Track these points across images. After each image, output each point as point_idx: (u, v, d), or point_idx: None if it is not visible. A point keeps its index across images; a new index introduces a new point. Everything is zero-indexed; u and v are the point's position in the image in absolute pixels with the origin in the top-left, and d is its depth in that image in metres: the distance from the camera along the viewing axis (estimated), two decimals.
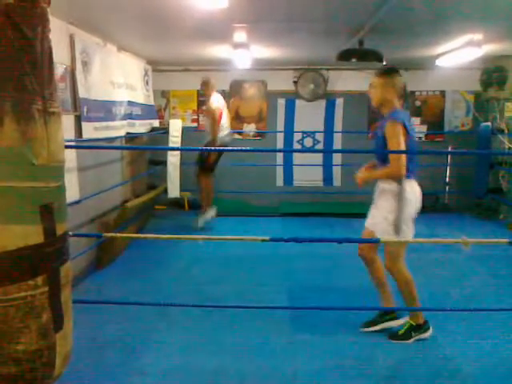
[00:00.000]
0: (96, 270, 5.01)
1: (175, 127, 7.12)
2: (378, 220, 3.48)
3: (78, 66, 4.64)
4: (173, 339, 3.57)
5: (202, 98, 8.05)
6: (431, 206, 8.12)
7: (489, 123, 7.31)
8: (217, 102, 6.49)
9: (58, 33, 4.28)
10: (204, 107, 6.51)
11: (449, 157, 8.07)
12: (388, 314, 3.68)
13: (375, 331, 3.66)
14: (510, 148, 7.03)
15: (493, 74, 7.28)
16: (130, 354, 3.32)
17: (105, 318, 3.81)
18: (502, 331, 3.68)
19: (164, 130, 7.16)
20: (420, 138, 8.17)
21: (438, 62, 6.57)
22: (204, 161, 6.53)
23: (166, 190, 7.03)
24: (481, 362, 3.26)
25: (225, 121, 6.60)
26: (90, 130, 4.87)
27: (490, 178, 7.50)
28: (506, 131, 7.18)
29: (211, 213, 6.70)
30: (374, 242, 3.48)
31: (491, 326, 3.76)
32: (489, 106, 7.74)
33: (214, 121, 6.36)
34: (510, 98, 7.18)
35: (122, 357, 3.30)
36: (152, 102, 7.43)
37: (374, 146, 3.71)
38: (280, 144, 8.19)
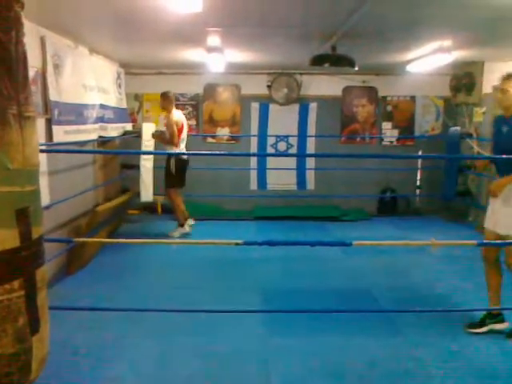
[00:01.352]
0: (67, 276, 4.93)
1: (148, 131, 7.08)
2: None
3: (50, 69, 4.58)
4: (147, 345, 3.54)
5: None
6: (403, 209, 8.28)
7: (458, 128, 7.48)
8: (177, 116, 6.53)
9: (28, 35, 4.16)
10: (164, 121, 6.55)
11: (419, 161, 8.22)
12: (495, 316, 3.71)
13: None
14: (478, 152, 7.20)
15: (462, 79, 7.46)
16: (103, 361, 3.28)
17: (76, 325, 3.76)
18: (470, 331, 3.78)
19: (137, 134, 7.11)
20: (391, 142, 8.32)
21: (409, 68, 6.70)
22: (168, 176, 6.53)
23: (138, 194, 6.98)
24: (450, 362, 3.33)
25: (185, 136, 6.62)
26: (60, 134, 4.81)
27: (460, 182, 7.67)
28: (475, 135, 7.37)
29: (186, 228, 6.66)
30: (346, 245, 3.50)
31: (460, 326, 3.85)
32: (458, 111, 7.92)
33: (174, 134, 6.34)
34: (478, 103, 7.37)
35: (94, 363, 3.25)
36: (125, 106, 7.37)
37: (496, 144, 3.72)
38: (254, 148, 8.22)
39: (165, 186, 6.60)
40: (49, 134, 4.64)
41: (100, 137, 6.03)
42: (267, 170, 8.22)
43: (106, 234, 6.06)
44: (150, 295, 4.49)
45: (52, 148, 4.68)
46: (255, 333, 3.75)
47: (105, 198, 6.53)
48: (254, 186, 8.32)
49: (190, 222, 6.78)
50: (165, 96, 6.50)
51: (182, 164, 6.52)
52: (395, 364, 3.30)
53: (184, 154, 6.40)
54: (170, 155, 6.50)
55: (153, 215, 7.78)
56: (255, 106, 8.09)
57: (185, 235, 6.54)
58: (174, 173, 6.44)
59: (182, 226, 6.59)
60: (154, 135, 6.67)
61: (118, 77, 7.09)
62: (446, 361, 3.34)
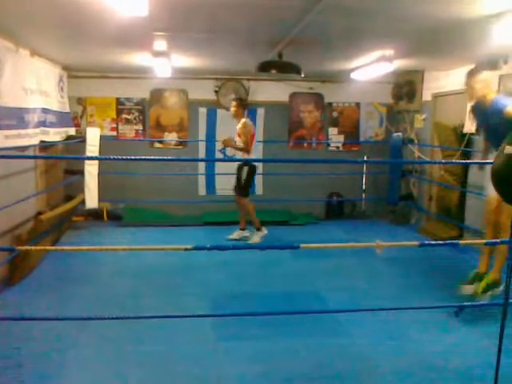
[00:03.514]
0: (9, 286, 4.73)
1: (92, 136, 6.92)
2: None
3: None
4: (95, 353, 3.46)
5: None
6: (350, 213, 8.46)
7: (400, 134, 7.74)
8: (250, 123, 6.52)
9: None
10: (238, 129, 6.48)
11: (364, 165, 8.44)
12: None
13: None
14: (419, 157, 7.49)
15: (403, 87, 7.74)
16: (50, 371, 3.17)
17: (20, 336, 3.61)
18: (416, 329, 3.90)
19: (81, 139, 6.94)
20: (337, 147, 8.50)
21: (353, 76, 6.87)
22: (241, 183, 6.55)
23: (83, 201, 6.80)
24: (397, 359, 3.43)
25: (255, 143, 6.65)
26: (0, 139, 4.62)
27: (402, 186, 7.94)
28: (416, 141, 7.65)
29: (264, 230, 6.65)
30: (294, 247, 3.54)
31: (406, 324, 3.98)
32: (400, 118, 8.21)
33: (248, 141, 6.39)
34: (418, 110, 7.66)
35: (39, 376, 3.13)
36: (67, 110, 7.16)
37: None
38: (202, 153, 8.18)
39: (237, 193, 6.63)
40: None
41: (42, 141, 5.83)
42: (216, 175, 8.20)
43: (51, 241, 5.87)
44: (97, 303, 4.38)
45: None
46: (205, 338, 3.73)
47: (48, 204, 6.32)
48: (202, 191, 8.27)
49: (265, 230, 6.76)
50: (241, 103, 6.51)
51: (253, 172, 6.56)
52: (344, 364, 3.37)
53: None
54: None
55: (98, 222, 7.60)
56: (203, 111, 8.06)
57: (263, 237, 6.56)
58: (245, 180, 6.48)
59: (258, 229, 6.60)
60: (225, 142, 6.59)
61: (61, 80, 6.89)
62: (395, 359, 3.44)
